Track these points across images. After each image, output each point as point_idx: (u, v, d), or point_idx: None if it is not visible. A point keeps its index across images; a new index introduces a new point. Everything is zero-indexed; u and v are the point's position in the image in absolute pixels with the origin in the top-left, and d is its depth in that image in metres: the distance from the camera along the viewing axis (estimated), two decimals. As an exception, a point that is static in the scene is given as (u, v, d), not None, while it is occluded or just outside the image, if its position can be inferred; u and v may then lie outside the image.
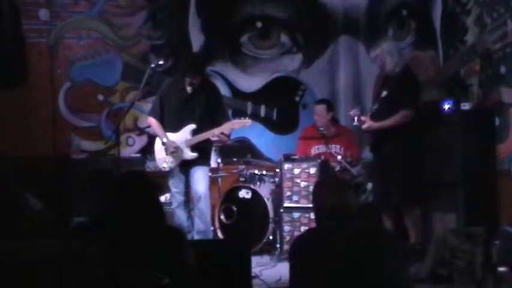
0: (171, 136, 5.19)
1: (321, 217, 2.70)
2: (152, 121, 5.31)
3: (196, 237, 5.08)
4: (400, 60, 5.16)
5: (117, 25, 6.53)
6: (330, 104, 6.06)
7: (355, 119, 5.13)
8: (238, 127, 5.31)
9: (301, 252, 2.57)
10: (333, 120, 6.01)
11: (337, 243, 2.51)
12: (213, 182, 5.70)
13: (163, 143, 5.18)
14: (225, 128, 5.19)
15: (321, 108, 5.97)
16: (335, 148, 5.88)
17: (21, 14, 6.23)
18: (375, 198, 5.21)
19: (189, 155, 5.14)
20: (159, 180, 5.06)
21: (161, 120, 5.26)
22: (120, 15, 6.54)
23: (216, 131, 5.15)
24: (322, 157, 5.67)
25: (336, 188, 2.71)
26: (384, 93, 5.09)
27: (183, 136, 5.16)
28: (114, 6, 6.52)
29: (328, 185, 2.82)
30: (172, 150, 5.12)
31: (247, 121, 5.32)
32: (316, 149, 6.03)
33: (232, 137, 6.06)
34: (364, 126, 5.09)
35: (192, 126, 5.14)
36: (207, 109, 5.17)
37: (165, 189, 5.35)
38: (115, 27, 6.52)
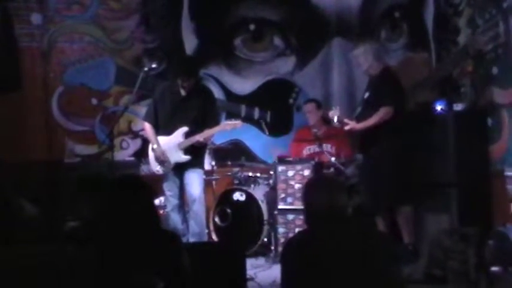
0: (164, 139, 5.19)
1: (312, 218, 2.66)
2: (146, 126, 5.31)
3: (191, 239, 5.08)
4: (377, 64, 5.18)
5: (110, 29, 6.53)
6: (319, 103, 6.20)
7: (335, 119, 5.18)
8: (230, 128, 5.33)
9: (292, 254, 2.56)
10: (323, 119, 6.07)
11: (329, 245, 2.49)
12: (207, 184, 5.70)
13: (153, 149, 5.18)
14: (217, 130, 5.22)
15: (310, 106, 6.10)
16: (327, 147, 5.90)
17: (14, 18, 6.22)
18: (367, 200, 5.22)
19: (182, 157, 5.14)
20: (153, 184, 5.05)
21: (156, 125, 5.26)
22: (113, 19, 6.54)
23: (209, 132, 5.17)
24: (316, 159, 5.68)
25: (327, 188, 2.64)
26: (366, 94, 5.19)
27: (176, 139, 5.16)
28: (107, 10, 6.52)
29: (319, 185, 2.74)
30: (162, 159, 5.12)
31: (238, 122, 5.32)
32: (308, 149, 6.06)
33: (226, 140, 6.08)
34: (346, 128, 5.14)
35: (185, 128, 5.14)
36: (200, 112, 5.17)
37: (160, 193, 5.35)
38: (108, 31, 6.52)
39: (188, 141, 5.12)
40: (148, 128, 5.28)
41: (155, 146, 5.16)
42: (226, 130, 5.36)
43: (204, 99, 5.24)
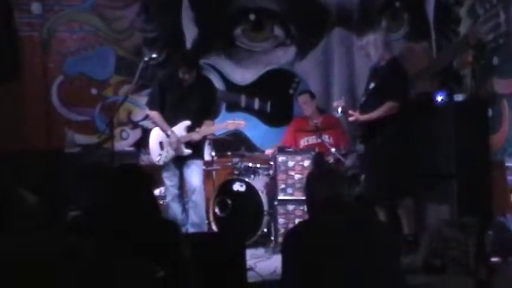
0: (166, 131, 5.22)
1: (314, 209, 2.68)
2: (154, 114, 5.27)
3: (191, 229, 5.09)
4: (386, 53, 5.09)
5: (110, 18, 6.51)
6: (312, 93, 6.22)
7: (339, 110, 5.15)
8: (233, 128, 5.54)
9: (293, 244, 2.56)
10: (318, 109, 6.08)
11: (330, 234, 2.49)
12: (207, 175, 5.71)
13: (168, 135, 5.17)
14: (220, 127, 5.40)
15: (304, 97, 6.11)
16: (326, 138, 5.90)
17: (14, 8, 6.20)
18: (368, 190, 5.21)
19: (184, 151, 5.16)
20: (153, 174, 5.06)
21: (162, 111, 5.23)
22: (113, 8, 6.52)
23: (211, 130, 5.26)
24: (316, 149, 5.68)
25: (329, 179, 2.67)
26: (372, 85, 5.11)
27: (178, 132, 5.16)
28: (106, -1, 6.51)
29: (321, 176, 2.77)
30: (175, 146, 5.13)
31: (242, 122, 5.46)
32: (306, 140, 6.06)
33: (226, 130, 6.08)
34: (350, 119, 5.11)
35: (187, 122, 5.16)
36: (201, 105, 5.18)
37: (160, 183, 5.35)
38: (108, 20, 6.50)
39: (189, 136, 5.14)
40: (156, 116, 5.24)
41: (169, 132, 5.16)
42: (229, 129, 5.48)
43: (205, 91, 5.25)
